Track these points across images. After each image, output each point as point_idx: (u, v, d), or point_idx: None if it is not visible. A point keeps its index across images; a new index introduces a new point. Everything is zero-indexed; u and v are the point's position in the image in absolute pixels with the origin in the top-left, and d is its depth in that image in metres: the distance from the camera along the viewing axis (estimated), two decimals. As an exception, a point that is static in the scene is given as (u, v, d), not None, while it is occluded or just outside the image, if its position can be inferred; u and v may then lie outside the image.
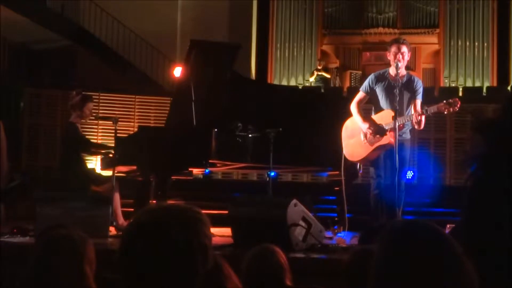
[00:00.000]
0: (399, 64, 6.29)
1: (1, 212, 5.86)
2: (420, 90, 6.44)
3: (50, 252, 2.69)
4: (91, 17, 16.34)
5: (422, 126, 6.17)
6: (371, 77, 6.60)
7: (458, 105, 6.01)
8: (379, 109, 6.47)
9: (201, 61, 6.77)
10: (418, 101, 6.38)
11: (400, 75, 6.34)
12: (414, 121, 6.11)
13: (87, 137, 8.24)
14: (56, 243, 2.72)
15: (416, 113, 6.14)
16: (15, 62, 15.75)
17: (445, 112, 6.17)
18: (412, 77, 6.57)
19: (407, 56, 6.39)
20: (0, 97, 11.95)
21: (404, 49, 6.33)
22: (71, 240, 2.71)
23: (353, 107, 6.56)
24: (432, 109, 6.08)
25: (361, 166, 7.19)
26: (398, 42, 6.41)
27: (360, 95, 6.61)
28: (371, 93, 6.54)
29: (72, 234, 2.75)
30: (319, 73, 16.08)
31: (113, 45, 16.52)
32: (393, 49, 6.34)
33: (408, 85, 6.40)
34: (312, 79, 16.33)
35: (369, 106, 6.76)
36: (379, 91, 6.47)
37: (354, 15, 17.29)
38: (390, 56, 6.39)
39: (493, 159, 1.15)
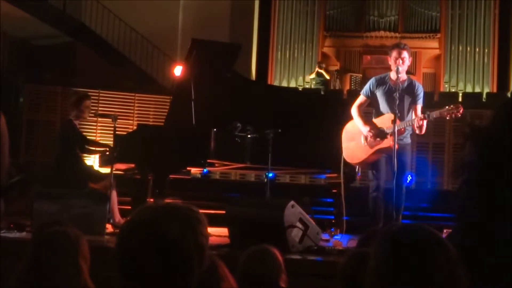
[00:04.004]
0: (400, 69, 6.29)
1: (1, 208, 5.85)
2: (421, 95, 6.45)
3: (46, 248, 2.70)
4: (93, 14, 16.33)
5: (424, 131, 6.18)
6: (372, 81, 6.60)
7: (461, 111, 6.01)
8: (379, 113, 6.47)
9: (202, 61, 6.77)
10: (419, 106, 6.39)
11: (401, 79, 6.35)
12: (415, 125, 6.12)
13: (85, 134, 8.23)
14: (52, 239, 2.72)
15: (417, 117, 6.14)
16: (16, 58, 15.74)
17: (447, 118, 6.18)
18: (413, 82, 6.58)
19: (407, 61, 6.39)
20: (-1, 93, 11.94)
21: (405, 54, 6.34)
22: (67, 237, 2.73)
23: (354, 110, 6.57)
24: (434, 114, 6.09)
25: (359, 169, 7.19)
26: (398, 47, 6.41)
27: (361, 98, 6.61)
28: (371, 97, 6.54)
29: (67, 231, 2.76)
30: (320, 70, 16.10)
31: (114, 42, 16.51)
32: (394, 54, 6.35)
33: (409, 90, 6.41)
34: (312, 76, 16.34)
35: (370, 110, 6.76)
36: (379, 95, 6.47)
37: (355, 18, 17.30)
38: (391, 61, 6.39)
39: (484, 167, 1.15)
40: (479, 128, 1.21)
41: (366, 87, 6.62)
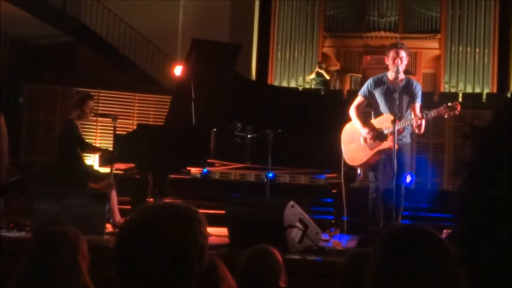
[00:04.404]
0: (399, 69, 6.29)
1: (0, 207, 5.86)
2: (419, 94, 6.45)
3: (46, 248, 2.70)
4: (93, 14, 16.34)
5: (422, 130, 6.18)
6: (369, 81, 6.60)
7: (458, 109, 6.01)
8: (378, 113, 6.47)
9: (202, 61, 6.77)
10: (417, 105, 6.38)
11: (399, 79, 6.35)
12: (414, 125, 6.12)
13: (85, 135, 8.23)
14: (52, 239, 2.73)
15: (416, 117, 6.14)
16: (16, 57, 15.73)
17: (445, 116, 6.18)
18: (411, 81, 6.57)
19: (405, 61, 6.39)
20: (-1, 92, 11.95)
21: (403, 53, 6.34)
22: (66, 236, 2.73)
23: (352, 111, 6.56)
24: (433, 113, 6.08)
25: (361, 170, 7.19)
26: (396, 47, 6.41)
27: (359, 99, 6.61)
28: (370, 98, 6.54)
29: (67, 231, 2.76)
30: (320, 70, 16.11)
31: (114, 42, 16.51)
32: (392, 53, 6.35)
33: (407, 89, 6.41)
34: (312, 76, 16.35)
35: (368, 110, 6.76)
36: (378, 95, 6.47)
37: (356, 18, 17.30)
38: (389, 61, 6.39)
39: (484, 166, 1.15)
40: (479, 127, 1.21)
41: (364, 88, 6.61)
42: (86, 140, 8.04)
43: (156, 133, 6.90)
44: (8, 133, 5.49)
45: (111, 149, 7.11)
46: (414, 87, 6.45)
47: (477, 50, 16.67)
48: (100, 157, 7.48)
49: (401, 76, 6.42)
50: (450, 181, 11.67)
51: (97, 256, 2.92)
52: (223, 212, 6.02)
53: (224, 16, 17.69)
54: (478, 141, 1.16)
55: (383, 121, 6.31)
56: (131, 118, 12.68)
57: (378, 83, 6.51)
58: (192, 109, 6.56)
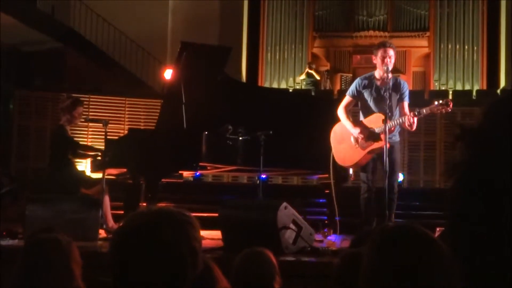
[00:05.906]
0: (389, 68, 6.29)
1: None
2: (407, 93, 6.46)
3: (39, 255, 2.69)
4: (82, 19, 16.31)
5: (415, 127, 6.18)
6: (357, 81, 6.60)
7: (450, 106, 6.02)
8: (367, 112, 6.46)
9: (192, 64, 6.76)
10: (406, 103, 6.40)
11: (387, 78, 6.36)
12: (406, 123, 6.11)
13: (76, 139, 8.21)
14: (44, 246, 2.73)
15: (408, 115, 6.14)
16: (5, 64, 15.68)
17: (438, 113, 6.20)
18: (398, 80, 6.57)
19: (393, 59, 6.40)
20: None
21: (391, 52, 6.35)
22: (58, 243, 2.73)
23: (341, 111, 6.54)
24: (425, 110, 6.09)
25: (352, 170, 7.20)
26: (385, 46, 6.41)
27: (347, 99, 6.60)
28: (358, 97, 6.53)
29: (58, 237, 2.76)
30: (310, 71, 16.13)
31: (104, 47, 16.49)
32: (380, 53, 6.35)
33: (395, 88, 6.40)
34: (302, 77, 16.37)
35: (356, 109, 6.75)
36: (366, 94, 6.46)
37: (344, 18, 17.33)
38: (377, 60, 6.39)
39: (475, 167, 1.16)
40: (469, 128, 1.21)
41: (352, 88, 6.60)
42: (80, 143, 8.02)
43: (147, 137, 6.89)
44: (-1, 140, 5.47)
45: (103, 152, 7.09)
46: (401, 86, 6.46)
47: (466, 47, 16.73)
48: (92, 162, 7.46)
49: (389, 75, 6.43)
50: (442, 179, 11.70)
51: (91, 262, 2.92)
52: (217, 215, 6.01)
53: (213, 17, 17.70)
54: (469, 141, 1.17)
55: (374, 121, 6.31)
56: (122, 122, 12.68)
57: (366, 82, 6.50)
58: (183, 113, 6.55)
